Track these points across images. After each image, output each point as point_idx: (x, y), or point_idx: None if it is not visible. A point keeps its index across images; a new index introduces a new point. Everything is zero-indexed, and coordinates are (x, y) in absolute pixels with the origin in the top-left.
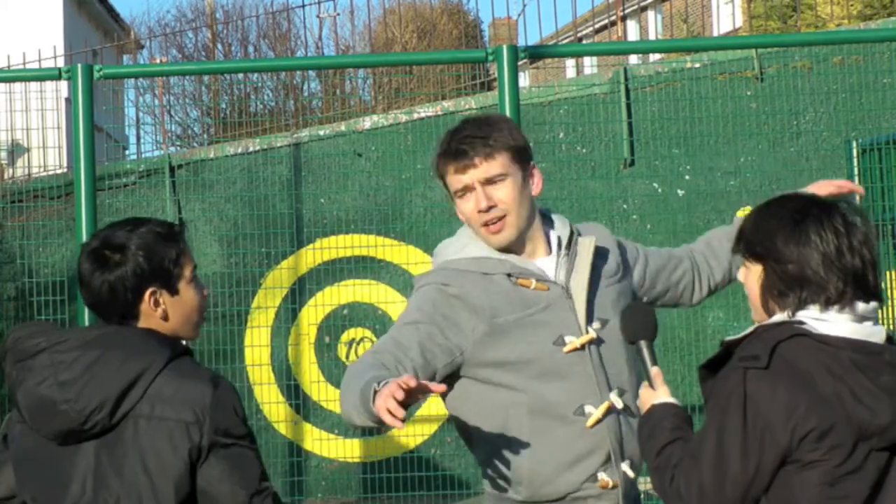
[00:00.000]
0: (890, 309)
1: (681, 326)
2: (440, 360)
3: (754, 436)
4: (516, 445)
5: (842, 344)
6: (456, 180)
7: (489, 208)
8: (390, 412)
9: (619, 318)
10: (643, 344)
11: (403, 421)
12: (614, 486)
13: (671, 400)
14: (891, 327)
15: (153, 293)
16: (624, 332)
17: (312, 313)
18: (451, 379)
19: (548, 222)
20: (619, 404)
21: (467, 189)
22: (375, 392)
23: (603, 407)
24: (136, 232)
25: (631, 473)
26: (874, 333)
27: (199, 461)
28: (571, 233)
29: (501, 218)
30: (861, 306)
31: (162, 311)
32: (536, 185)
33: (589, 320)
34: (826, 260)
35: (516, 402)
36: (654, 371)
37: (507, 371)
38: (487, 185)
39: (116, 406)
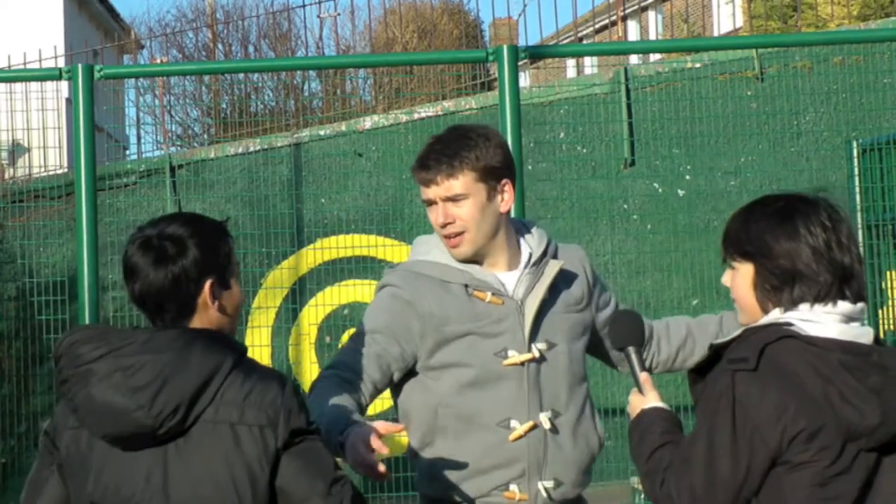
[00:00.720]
0: (890, 309)
1: None
2: (395, 367)
3: (744, 438)
4: (439, 444)
5: (830, 345)
6: (422, 192)
7: (446, 224)
8: (371, 472)
9: (610, 329)
10: (631, 350)
11: (384, 471)
12: (522, 500)
13: (660, 404)
14: (891, 327)
15: (212, 285)
16: (612, 338)
17: (313, 313)
18: (406, 376)
19: (525, 236)
20: (546, 424)
21: (431, 202)
22: (342, 444)
23: (526, 425)
24: (192, 225)
25: (543, 493)
26: (862, 334)
27: (276, 463)
28: (545, 252)
29: (460, 234)
30: (848, 307)
31: (219, 304)
32: (506, 202)
33: (535, 339)
34: (816, 253)
35: (446, 403)
36: (643, 377)
37: (445, 373)
38: (448, 202)
39: (189, 410)
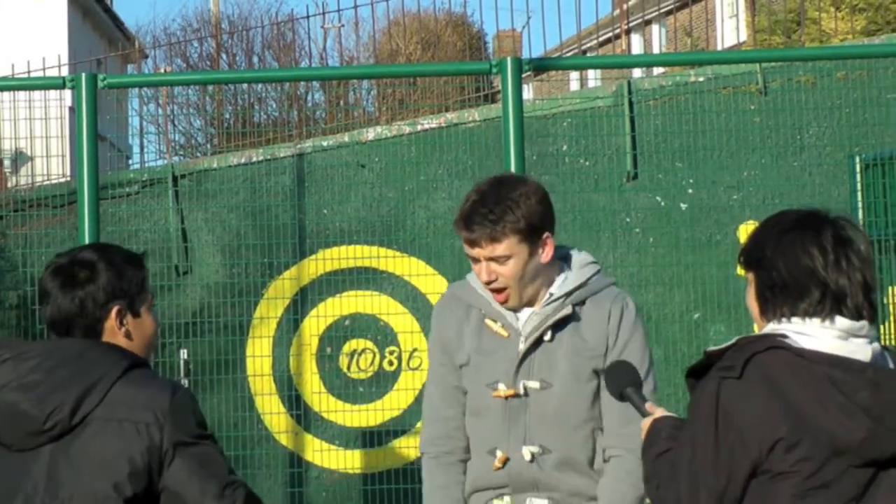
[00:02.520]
0: (891, 324)
1: (683, 340)
2: (462, 390)
3: (726, 445)
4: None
5: (818, 358)
6: (466, 248)
7: (490, 281)
8: None
9: (606, 382)
10: (630, 391)
11: None
12: None
13: (671, 414)
14: (892, 342)
15: (119, 311)
16: (610, 388)
17: (314, 324)
18: None
19: (566, 272)
20: (527, 457)
21: (475, 259)
22: None
23: (500, 458)
24: (104, 252)
25: None
26: (858, 351)
27: (162, 463)
28: (569, 293)
29: (503, 289)
30: (846, 323)
31: (125, 330)
32: (546, 254)
33: (529, 376)
34: (806, 271)
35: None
36: (649, 405)
37: (464, 396)
38: (492, 262)
39: (76, 407)
